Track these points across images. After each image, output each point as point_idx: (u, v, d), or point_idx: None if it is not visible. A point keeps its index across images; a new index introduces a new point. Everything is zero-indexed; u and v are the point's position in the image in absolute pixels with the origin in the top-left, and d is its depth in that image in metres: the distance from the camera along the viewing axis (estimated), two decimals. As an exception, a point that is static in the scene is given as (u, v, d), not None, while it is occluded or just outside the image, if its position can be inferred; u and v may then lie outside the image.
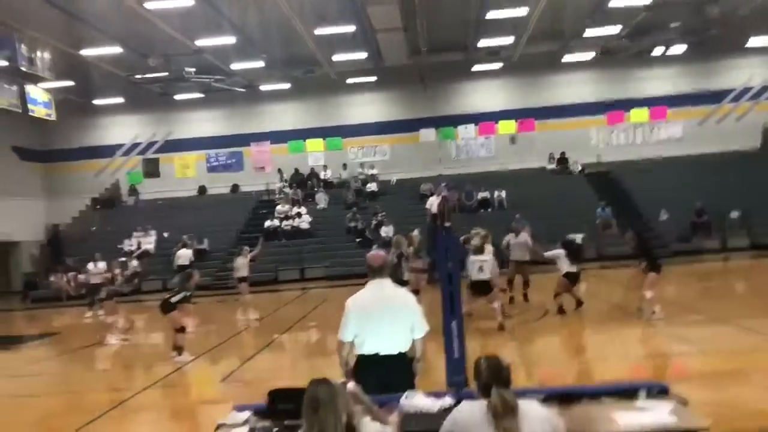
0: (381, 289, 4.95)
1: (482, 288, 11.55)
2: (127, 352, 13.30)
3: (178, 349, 11.28)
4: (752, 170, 26.43)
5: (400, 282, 11.69)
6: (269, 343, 12.88)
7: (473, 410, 3.27)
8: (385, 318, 4.83)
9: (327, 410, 3.12)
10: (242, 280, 17.09)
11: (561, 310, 12.42)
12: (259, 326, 15.01)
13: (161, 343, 13.92)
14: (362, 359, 4.87)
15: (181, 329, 11.40)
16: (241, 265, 17.04)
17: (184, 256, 23.16)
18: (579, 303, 12.68)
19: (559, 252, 12.50)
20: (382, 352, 4.81)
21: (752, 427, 5.98)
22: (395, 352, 4.83)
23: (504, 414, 3.14)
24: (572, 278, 12.48)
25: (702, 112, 28.61)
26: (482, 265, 11.44)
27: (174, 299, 11.49)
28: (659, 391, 3.95)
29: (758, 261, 21.36)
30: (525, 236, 15.06)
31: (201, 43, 21.96)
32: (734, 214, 23.64)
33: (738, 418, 6.22)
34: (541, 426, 3.17)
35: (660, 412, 3.62)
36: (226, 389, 9.45)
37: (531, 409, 3.24)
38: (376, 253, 5.11)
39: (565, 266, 12.36)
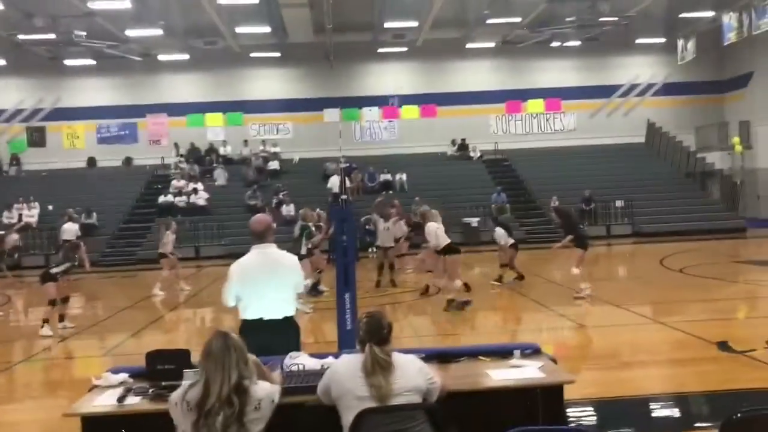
0: (264, 253, 4.87)
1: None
2: (3, 326, 12.53)
3: (44, 320, 10.66)
4: (637, 162, 28.07)
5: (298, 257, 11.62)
6: (158, 318, 12.50)
7: (349, 364, 3.29)
8: (269, 282, 4.77)
9: (216, 362, 3.05)
10: (164, 255, 15.99)
11: (520, 277, 13.82)
12: (148, 304, 14.49)
13: (40, 318, 13.20)
14: (246, 324, 4.79)
15: (52, 302, 10.73)
16: (170, 240, 15.84)
17: (70, 230, 21.92)
18: (521, 277, 13.86)
19: (499, 230, 14.09)
20: (266, 317, 4.75)
21: (601, 392, 6.34)
22: (280, 316, 4.78)
23: (373, 370, 3.17)
24: (515, 247, 13.99)
25: (593, 105, 30.00)
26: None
27: (54, 270, 10.93)
28: (532, 352, 4.12)
29: (638, 247, 22.74)
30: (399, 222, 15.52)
31: (93, 5, 20.77)
32: (618, 203, 25.03)
33: (596, 384, 6.61)
34: (415, 378, 3.23)
35: (531, 368, 3.78)
36: (109, 361, 9.07)
37: (406, 362, 3.29)
38: (259, 218, 5.02)
39: (508, 240, 13.85)
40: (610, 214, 25.03)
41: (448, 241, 11.48)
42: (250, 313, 4.78)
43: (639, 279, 15.68)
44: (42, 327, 10.61)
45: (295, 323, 4.93)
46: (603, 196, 25.00)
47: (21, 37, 22.19)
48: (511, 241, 13.93)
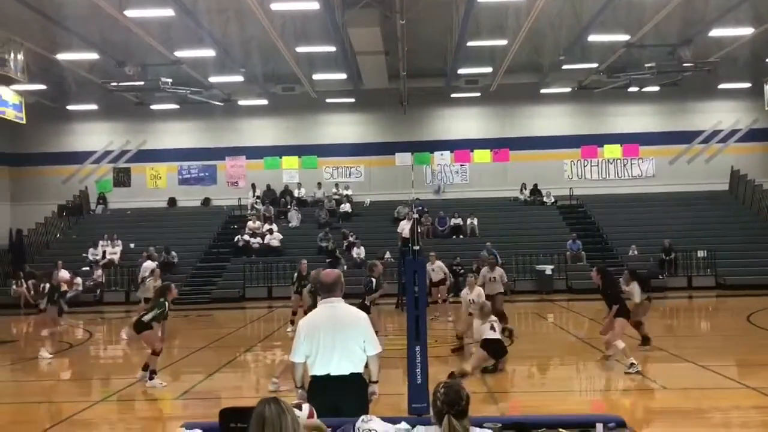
0: (332, 308, 4.88)
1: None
2: (84, 363, 12.97)
3: (151, 372, 10.20)
4: (720, 211, 26.98)
5: (364, 307, 11.28)
6: (231, 360, 12.66)
7: (427, 437, 3.20)
8: (336, 337, 4.76)
9: (273, 428, 3.04)
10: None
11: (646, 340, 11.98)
12: (222, 344, 14.75)
13: (119, 356, 13.63)
14: (314, 380, 4.80)
15: (155, 352, 10.25)
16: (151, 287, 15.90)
17: (149, 268, 22.73)
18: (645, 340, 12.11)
19: (634, 286, 12.05)
20: (333, 373, 4.73)
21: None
22: (346, 372, 4.75)
23: (451, 444, 3.07)
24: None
25: (673, 150, 29.11)
26: (493, 324, 10.46)
27: (146, 317, 10.39)
28: (616, 425, 3.92)
29: (722, 300, 21.66)
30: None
31: (180, 54, 21.80)
32: (701, 254, 24.00)
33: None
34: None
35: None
36: (182, 405, 9.23)
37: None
38: (329, 271, 5.05)
39: (638, 296, 12.03)
40: (692, 265, 23.96)
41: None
42: (317, 369, 4.78)
43: (724, 336, 14.87)
44: (151, 379, 10.10)
45: (364, 380, 4.89)
46: (684, 245, 24.03)
47: (113, 84, 23.46)
48: (645, 295, 11.97)
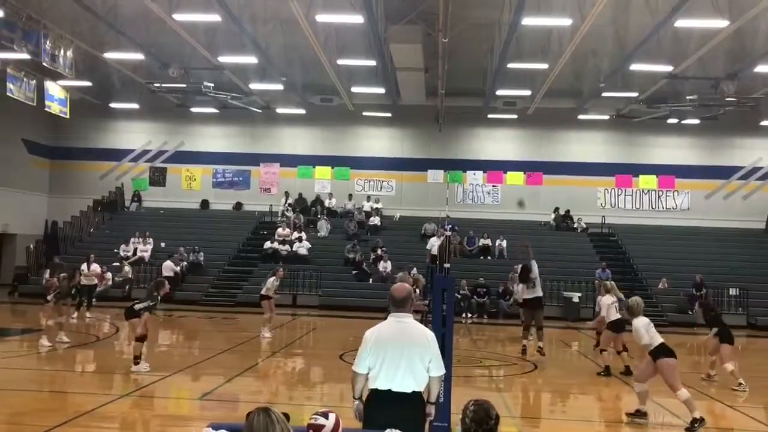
0: (401, 323, 4.81)
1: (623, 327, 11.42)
2: (110, 357, 13.13)
3: (135, 357, 11.13)
4: (754, 250, 26.44)
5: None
6: (253, 365, 12.72)
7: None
8: (403, 353, 4.69)
9: None
10: (265, 297, 16.39)
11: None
12: (245, 348, 14.83)
13: (144, 352, 13.72)
14: (374, 394, 4.74)
15: (141, 338, 11.17)
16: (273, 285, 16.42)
17: (167, 267, 23.06)
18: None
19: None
20: (395, 389, 4.66)
21: None
22: (409, 390, 4.69)
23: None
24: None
25: (710, 185, 28.69)
26: (618, 304, 11.47)
27: (137, 306, 11.32)
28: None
29: (752, 341, 21.14)
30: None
31: (223, 59, 22.18)
32: (733, 291, 23.53)
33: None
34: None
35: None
36: (203, 406, 9.29)
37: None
38: (401, 285, 4.97)
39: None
40: (723, 303, 23.46)
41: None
42: (379, 383, 4.71)
43: (753, 377, 14.46)
44: (136, 364, 11.01)
45: (423, 400, 4.81)
46: (716, 282, 23.60)
47: (156, 85, 23.91)
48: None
